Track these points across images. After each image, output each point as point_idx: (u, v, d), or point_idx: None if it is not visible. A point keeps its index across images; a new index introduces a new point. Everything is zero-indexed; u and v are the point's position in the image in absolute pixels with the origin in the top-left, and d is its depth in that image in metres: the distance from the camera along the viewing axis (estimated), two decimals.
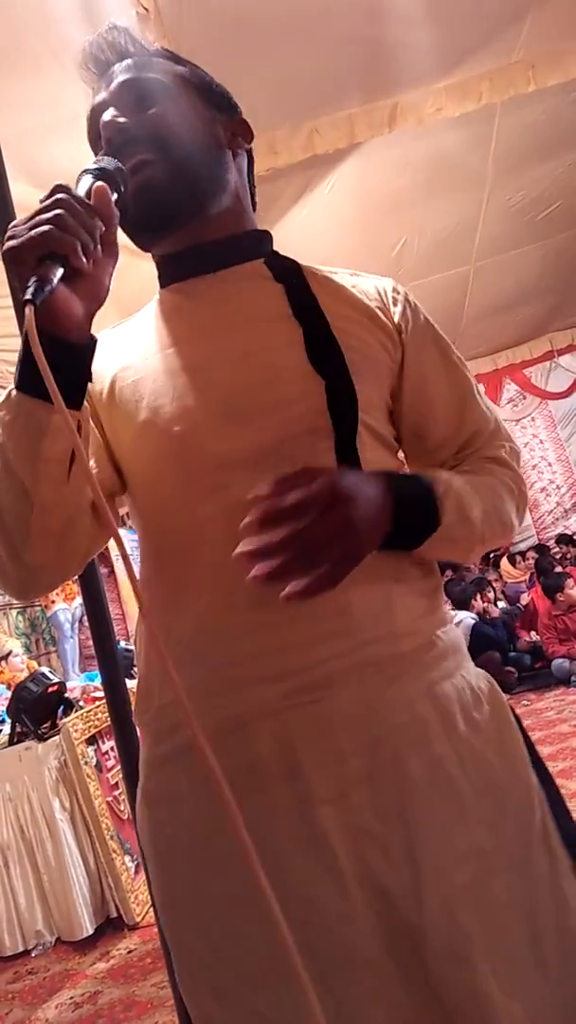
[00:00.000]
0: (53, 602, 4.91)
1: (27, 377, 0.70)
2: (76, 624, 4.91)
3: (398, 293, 0.93)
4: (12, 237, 0.66)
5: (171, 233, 0.88)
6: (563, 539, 8.68)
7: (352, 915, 0.71)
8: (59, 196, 0.67)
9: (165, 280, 0.94)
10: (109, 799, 3.24)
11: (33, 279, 0.64)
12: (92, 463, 0.81)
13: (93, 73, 0.90)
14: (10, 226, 0.68)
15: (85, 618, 2.63)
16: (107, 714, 1.71)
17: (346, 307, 0.87)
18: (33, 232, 0.65)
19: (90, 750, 3.28)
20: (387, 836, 0.73)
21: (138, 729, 0.90)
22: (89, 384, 0.75)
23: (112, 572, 5.46)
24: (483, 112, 2.86)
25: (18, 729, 3.36)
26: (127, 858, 3.21)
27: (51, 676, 3.71)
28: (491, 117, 3.09)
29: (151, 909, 2.72)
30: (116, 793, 3.28)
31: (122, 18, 2.10)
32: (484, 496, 0.85)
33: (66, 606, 4.89)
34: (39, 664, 4.64)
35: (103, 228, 0.70)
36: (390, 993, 0.71)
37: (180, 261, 0.90)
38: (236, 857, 0.62)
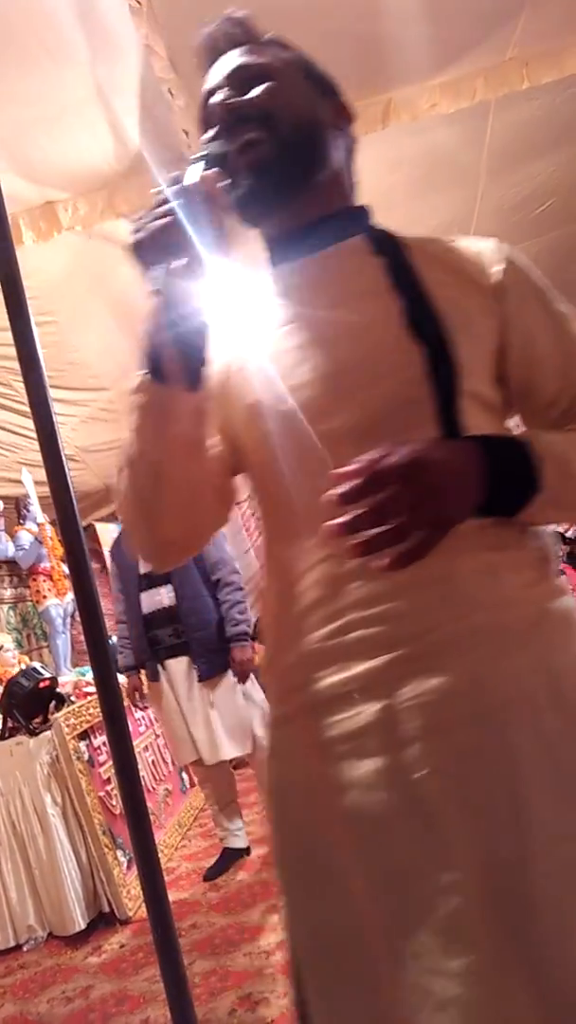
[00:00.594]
0: (45, 597, 4.89)
1: (154, 363, 0.77)
2: (68, 619, 4.89)
3: (497, 252, 0.91)
4: (136, 231, 0.74)
5: (279, 210, 0.92)
6: (558, 537, 8.72)
7: (452, 884, 0.71)
8: (175, 187, 0.73)
9: (273, 260, 0.97)
10: (101, 794, 3.24)
11: (157, 271, 0.72)
12: (213, 441, 0.87)
13: (207, 62, 0.95)
14: (133, 219, 0.74)
15: (77, 613, 2.63)
16: (99, 709, 1.71)
17: (443, 273, 0.88)
18: (153, 226, 0.72)
19: (82, 745, 3.28)
20: (493, 808, 0.72)
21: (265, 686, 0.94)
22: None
23: (104, 568, 5.45)
24: (477, 109, 2.85)
25: (9, 724, 3.36)
26: (119, 852, 3.21)
27: (43, 671, 3.70)
28: (485, 114, 3.08)
29: (143, 904, 2.72)
30: (108, 788, 3.28)
31: (114, 11, 2.10)
32: None
33: (58, 601, 4.88)
34: (31, 659, 4.62)
35: (217, 215, 0.75)
36: (484, 966, 0.69)
37: (287, 243, 0.94)
38: (335, 820, 0.68)
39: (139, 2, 2.07)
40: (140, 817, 1.66)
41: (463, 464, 0.73)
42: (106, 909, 3.14)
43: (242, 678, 3.22)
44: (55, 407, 1.73)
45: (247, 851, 3.39)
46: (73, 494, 1.66)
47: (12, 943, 3.11)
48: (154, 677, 3.29)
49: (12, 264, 1.64)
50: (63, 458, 1.63)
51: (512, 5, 2.49)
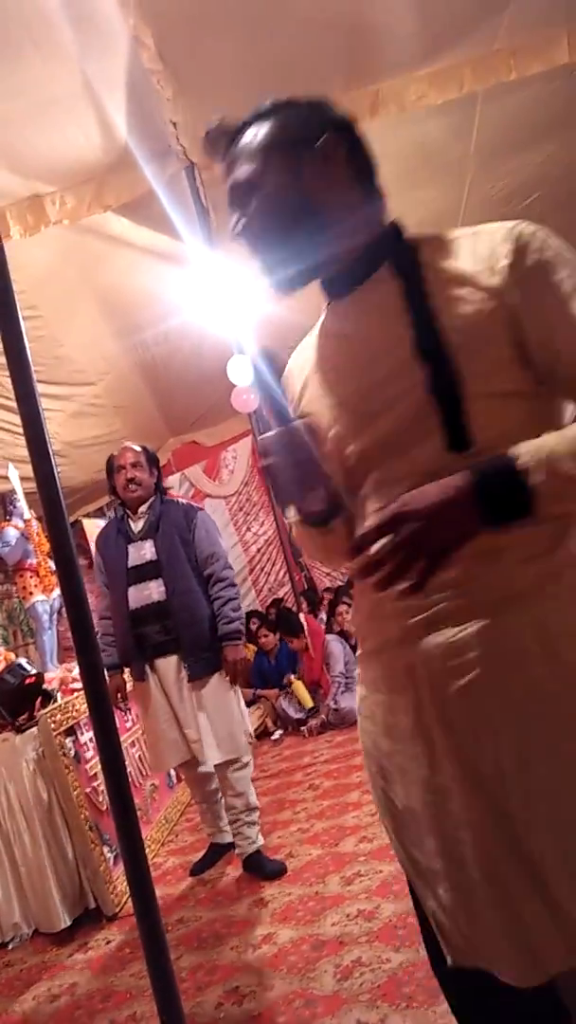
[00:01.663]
0: (31, 593, 4.87)
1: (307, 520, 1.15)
2: (54, 616, 4.87)
3: (510, 242, 0.98)
4: (265, 454, 1.05)
5: (307, 276, 1.09)
6: None
7: (441, 787, 0.99)
8: (263, 463, 1.06)
9: (326, 299, 1.15)
10: (88, 790, 3.22)
11: (290, 510, 1.15)
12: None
13: (219, 147, 1.11)
14: (260, 440, 1.04)
15: (64, 609, 2.60)
16: (85, 705, 1.70)
17: (454, 284, 0.98)
18: (275, 484, 1.07)
19: (68, 741, 3.26)
20: (475, 734, 0.96)
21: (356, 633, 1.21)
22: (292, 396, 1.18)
23: (91, 563, 5.42)
24: (465, 100, 2.84)
25: None
26: (105, 849, 3.20)
27: (28, 667, 3.68)
28: (473, 105, 3.08)
29: (129, 899, 2.71)
30: (95, 784, 3.27)
31: (102, 2, 2.06)
32: None
33: (44, 598, 4.85)
34: (17, 655, 4.60)
35: (291, 453, 1.03)
36: (484, 844, 0.96)
37: (326, 288, 1.12)
38: (398, 732, 1.04)
39: None
40: (127, 812, 1.65)
41: (447, 498, 0.89)
42: (92, 906, 3.13)
43: (234, 679, 3.08)
44: (41, 402, 1.72)
45: (233, 846, 3.30)
46: (60, 489, 1.64)
47: None
48: (140, 676, 3.12)
49: None
50: (50, 453, 1.61)
51: None
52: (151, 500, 3.21)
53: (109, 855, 3.20)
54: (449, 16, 2.45)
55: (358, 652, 1.18)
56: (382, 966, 2.13)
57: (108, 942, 2.91)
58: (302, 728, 5.40)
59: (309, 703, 5.60)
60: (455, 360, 0.95)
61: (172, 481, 7.88)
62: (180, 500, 3.40)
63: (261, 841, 3.18)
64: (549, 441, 0.89)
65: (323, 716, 5.37)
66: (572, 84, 3.15)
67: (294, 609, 7.03)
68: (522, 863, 0.93)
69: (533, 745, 0.93)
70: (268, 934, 2.56)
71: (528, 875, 0.93)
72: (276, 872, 3.03)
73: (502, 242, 0.98)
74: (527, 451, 0.88)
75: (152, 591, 3.07)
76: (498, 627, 0.95)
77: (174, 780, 4.43)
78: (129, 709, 3.56)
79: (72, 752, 3.24)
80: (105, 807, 3.22)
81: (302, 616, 6.20)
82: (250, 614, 7.67)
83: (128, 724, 3.96)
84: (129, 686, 3.31)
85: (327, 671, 5.57)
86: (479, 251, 0.99)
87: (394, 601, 0.98)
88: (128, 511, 3.24)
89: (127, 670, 3.24)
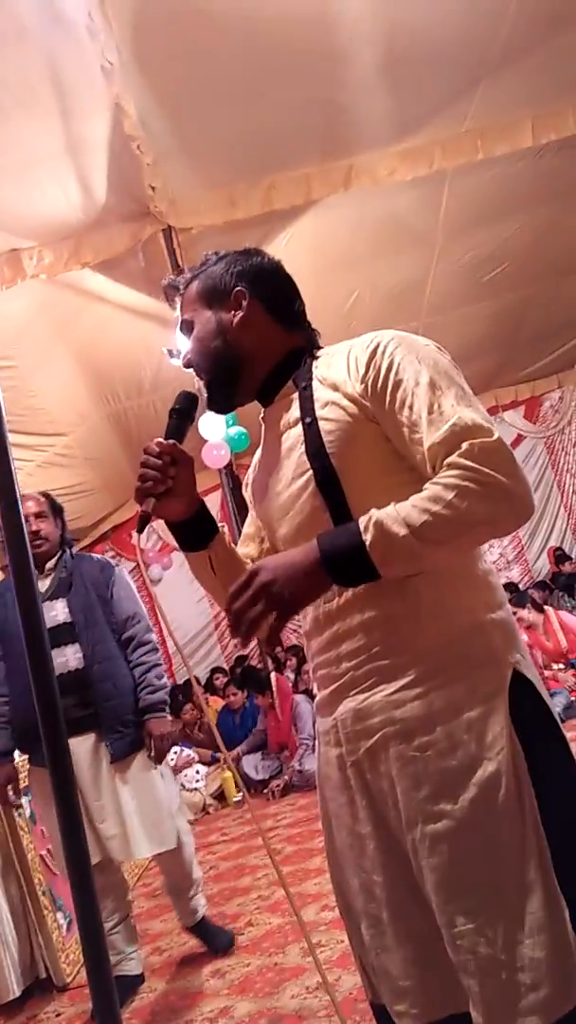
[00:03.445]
0: None
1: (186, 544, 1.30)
2: None
3: (368, 353, 1.14)
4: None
5: (235, 398, 1.32)
6: (507, 587, 8.84)
7: (362, 835, 1.14)
8: (144, 458, 1.18)
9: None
10: (43, 852, 3.11)
11: (141, 513, 1.18)
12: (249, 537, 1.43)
13: (172, 303, 1.35)
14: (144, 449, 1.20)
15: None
16: None
17: (330, 392, 1.16)
18: (137, 483, 1.17)
19: (24, 801, 3.16)
20: (381, 793, 1.10)
21: None
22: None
23: None
24: (434, 176, 2.98)
25: None
26: (59, 915, 3.08)
27: None
28: (442, 181, 3.22)
29: (81, 969, 2.60)
30: (49, 846, 3.16)
31: (86, 70, 2.14)
32: (421, 506, 1.00)
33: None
34: None
35: (175, 465, 1.18)
36: (393, 887, 1.10)
37: (260, 401, 1.32)
38: (331, 783, 1.20)
39: (111, 62, 2.13)
40: (83, 876, 1.60)
41: (297, 563, 1.03)
42: (43, 975, 3.00)
43: (159, 756, 2.68)
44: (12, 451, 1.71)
45: (142, 979, 2.79)
46: (27, 540, 1.63)
47: None
48: (42, 760, 2.17)
49: None
50: (18, 502, 1.60)
51: (469, 80, 2.62)
52: (59, 555, 2.76)
53: (63, 921, 3.08)
54: (421, 98, 2.58)
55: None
56: None
57: (58, 1014, 2.78)
58: (264, 791, 5.30)
59: (234, 797, 5.48)
60: (334, 461, 1.11)
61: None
62: (92, 555, 3.03)
63: (205, 906, 2.90)
64: (388, 508, 1.01)
65: (287, 778, 5.28)
66: (536, 166, 3.32)
67: (261, 668, 6.96)
68: (422, 907, 1.07)
69: (419, 804, 1.05)
70: (225, 1007, 2.46)
71: (428, 918, 1.06)
72: (224, 944, 2.83)
73: (363, 351, 1.14)
74: (367, 517, 1.02)
75: (68, 658, 2.61)
76: (393, 695, 1.09)
77: None
78: (18, 805, 2.81)
79: (28, 812, 3.14)
80: (59, 871, 3.11)
81: (272, 675, 6.13)
82: (215, 670, 7.57)
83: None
84: (24, 777, 2.83)
85: (295, 732, 5.49)
86: (350, 361, 1.15)
87: (321, 669, 1.18)
88: None
89: (17, 756, 2.73)
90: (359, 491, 1.11)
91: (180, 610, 7.45)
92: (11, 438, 1.79)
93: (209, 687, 7.07)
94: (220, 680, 7.11)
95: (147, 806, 2.61)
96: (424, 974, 1.07)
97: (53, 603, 2.66)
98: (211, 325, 1.26)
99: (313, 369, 1.22)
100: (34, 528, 2.68)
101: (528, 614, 5.68)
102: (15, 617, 2.58)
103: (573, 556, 9.63)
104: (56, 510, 2.82)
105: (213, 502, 8.06)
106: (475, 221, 3.70)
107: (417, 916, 1.07)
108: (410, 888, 1.08)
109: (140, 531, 1.25)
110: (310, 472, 1.15)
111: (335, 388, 1.15)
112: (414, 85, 2.52)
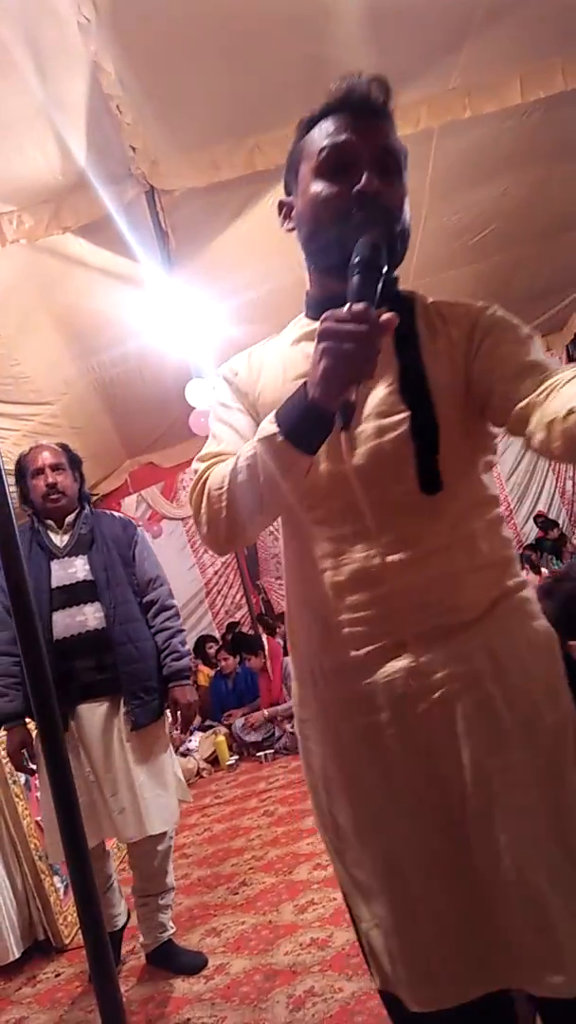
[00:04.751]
0: None
1: (309, 441, 0.98)
2: None
3: (479, 318, 1.10)
4: (330, 336, 0.89)
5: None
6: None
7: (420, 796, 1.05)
8: (340, 329, 0.88)
9: (309, 312, 1.19)
10: (38, 818, 3.15)
11: (343, 404, 0.93)
12: None
13: (347, 109, 1.08)
14: (328, 317, 0.90)
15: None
16: (36, 732, 1.67)
17: (440, 343, 1.09)
18: (343, 358, 0.88)
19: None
20: (450, 751, 1.03)
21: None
22: (247, 388, 1.20)
23: None
24: (421, 135, 2.92)
25: None
26: (56, 879, 3.13)
27: None
28: (428, 140, 3.16)
29: (79, 931, 2.64)
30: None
31: (63, 27, 2.08)
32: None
33: None
34: None
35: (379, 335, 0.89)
36: (432, 862, 1.04)
37: (317, 308, 1.10)
38: (347, 755, 1.12)
39: (88, 18, 2.07)
40: (78, 841, 1.62)
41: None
42: (41, 937, 3.05)
43: (185, 725, 2.60)
44: None
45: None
46: (12, 509, 1.62)
47: None
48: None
49: None
50: (2, 472, 1.59)
51: (455, 36, 2.57)
52: (78, 510, 2.63)
53: (60, 885, 3.13)
54: (407, 55, 2.52)
55: (296, 675, 1.21)
56: (335, 996, 2.11)
57: (57, 975, 2.83)
58: (258, 753, 5.36)
59: (226, 760, 5.52)
60: (434, 411, 1.04)
61: (129, 502, 7.83)
62: (112, 513, 2.92)
63: (173, 929, 2.67)
64: None
65: (283, 741, 5.35)
66: (525, 124, 3.26)
67: (251, 632, 7.00)
68: (467, 876, 1.02)
69: (491, 758, 1.01)
70: (220, 964, 2.52)
71: (474, 887, 1.01)
72: (195, 967, 2.53)
73: (478, 314, 1.10)
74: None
75: (88, 617, 2.46)
76: (451, 651, 1.04)
77: None
78: (35, 771, 2.57)
79: (23, 779, 3.17)
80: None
81: (263, 638, 6.18)
82: (205, 638, 7.61)
83: None
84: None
85: (286, 692, 5.56)
86: (460, 322, 1.10)
87: (351, 628, 1.08)
88: (44, 522, 2.59)
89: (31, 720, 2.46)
90: (446, 448, 1.05)
91: (170, 579, 7.45)
92: None
93: (200, 655, 7.11)
94: (212, 647, 7.16)
95: (160, 783, 2.49)
96: (459, 949, 1.01)
97: (73, 560, 2.53)
98: (405, 192, 1.09)
99: (413, 308, 1.14)
100: (50, 481, 2.55)
101: (525, 575, 5.72)
102: (36, 574, 2.42)
103: (560, 522, 9.71)
104: (74, 462, 2.68)
105: None
106: (462, 182, 3.65)
107: (460, 887, 1.01)
108: (459, 853, 1.02)
109: (344, 428, 1.02)
110: (403, 415, 1.06)
111: (444, 340, 1.11)
112: (400, 41, 2.46)
